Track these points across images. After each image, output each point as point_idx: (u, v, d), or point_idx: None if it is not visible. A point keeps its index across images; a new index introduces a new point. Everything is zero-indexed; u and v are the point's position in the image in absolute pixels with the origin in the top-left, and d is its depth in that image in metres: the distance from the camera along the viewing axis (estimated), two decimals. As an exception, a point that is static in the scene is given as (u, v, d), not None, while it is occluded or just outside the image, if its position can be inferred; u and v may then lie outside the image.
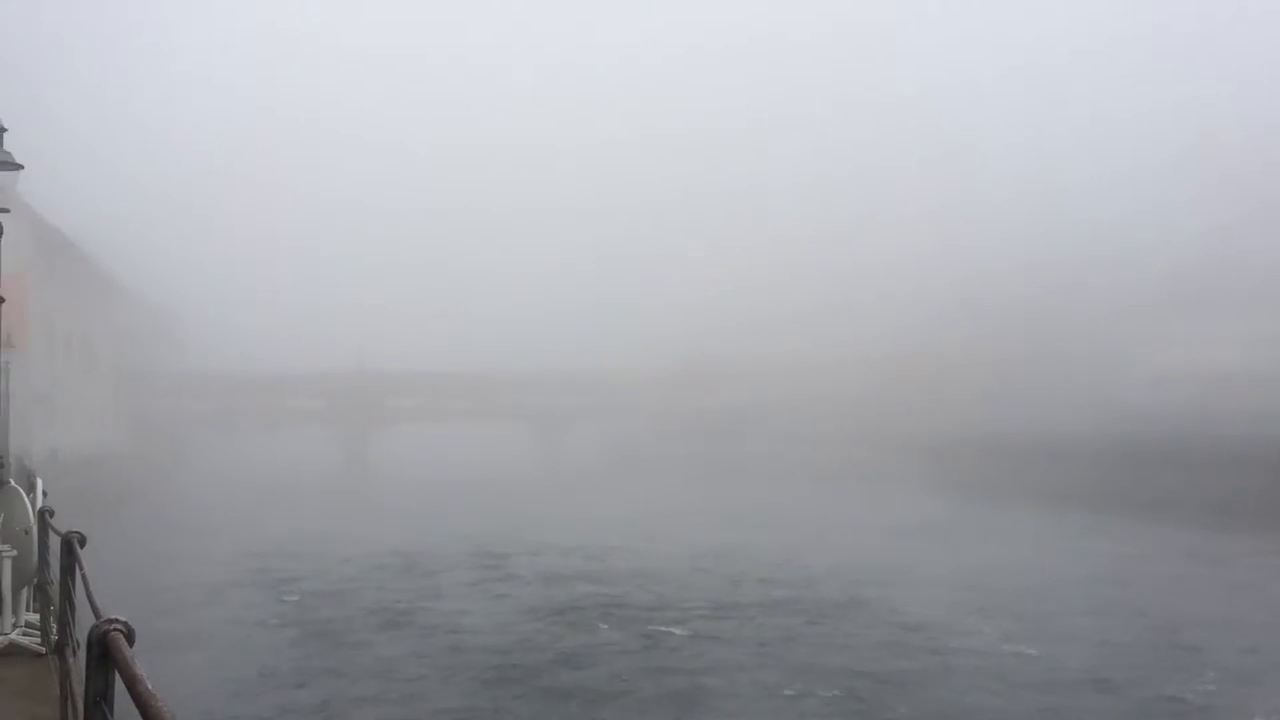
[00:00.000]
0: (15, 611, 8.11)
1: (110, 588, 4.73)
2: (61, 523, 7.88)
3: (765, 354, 78.31)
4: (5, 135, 11.63)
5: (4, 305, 12.19)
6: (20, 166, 11.70)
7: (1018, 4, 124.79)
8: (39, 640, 7.89)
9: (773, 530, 34.33)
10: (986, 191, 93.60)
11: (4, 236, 11.98)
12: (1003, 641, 17.72)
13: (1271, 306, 57.49)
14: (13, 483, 10.03)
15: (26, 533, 8.14)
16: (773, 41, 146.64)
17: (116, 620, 3.09)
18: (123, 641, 2.97)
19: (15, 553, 7.98)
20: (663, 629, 19.29)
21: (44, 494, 9.01)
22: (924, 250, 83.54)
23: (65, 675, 5.78)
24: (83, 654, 3.86)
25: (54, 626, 7.34)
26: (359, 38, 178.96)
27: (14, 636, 7.91)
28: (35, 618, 8.38)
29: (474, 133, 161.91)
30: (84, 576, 5.05)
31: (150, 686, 2.50)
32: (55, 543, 6.97)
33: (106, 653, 2.99)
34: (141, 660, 2.83)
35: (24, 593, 8.34)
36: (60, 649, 6.33)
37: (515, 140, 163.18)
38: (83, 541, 5.69)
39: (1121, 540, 30.84)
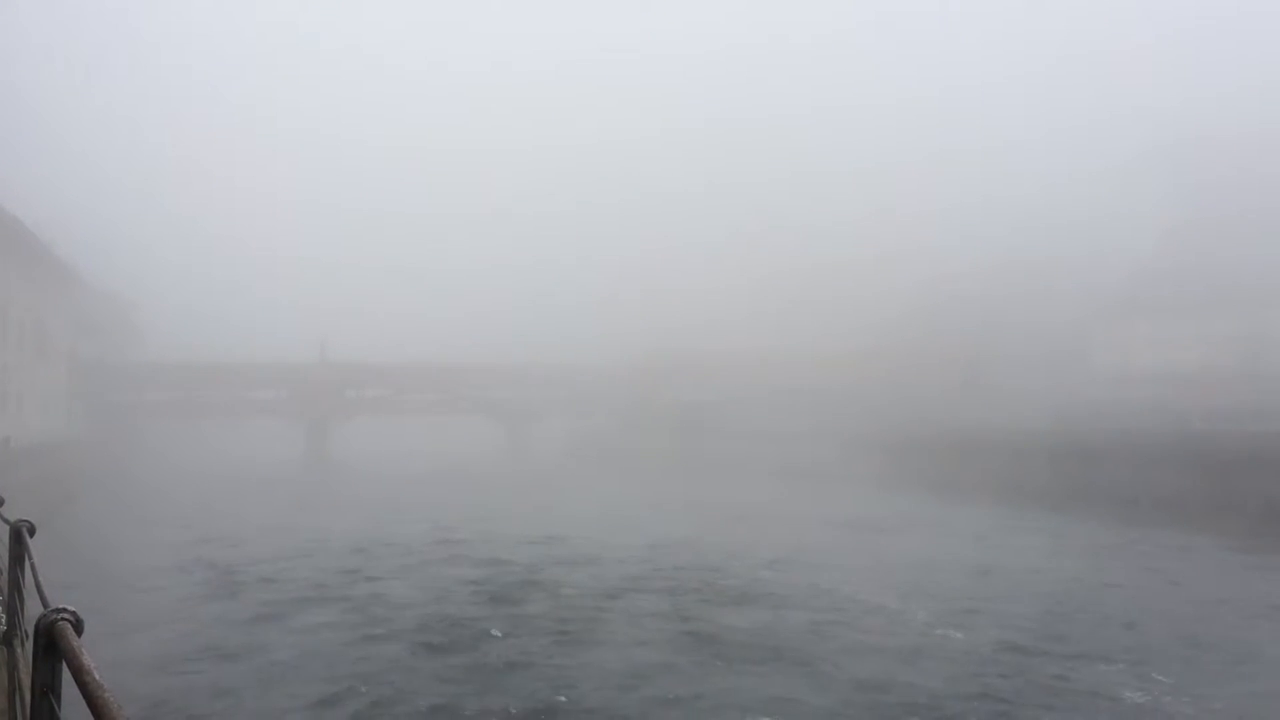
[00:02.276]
0: (-38, 602, 7.91)
1: (59, 575, 4.59)
2: (12, 511, 7.68)
3: (732, 349, 78.69)
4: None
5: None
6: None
7: (990, 13, 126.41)
8: (-13, 631, 7.69)
9: (727, 523, 34.80)
10: (952, 192, 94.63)
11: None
12: (931, 625, 18.41)
13: (1231, 307, 58.59)
14: (-38, 470, 9.78)
15: (-25, 521, 7.92)
16: (751, 44, 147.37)
17: (65, 610, 2.97)
18: (71, 631, 2.86)
19: (-37, 542, 7.78)
20: (588, 611, 19.95)
21: (-6, 482, 8.77)
22: (891, 249, 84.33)
23: (13, 667, 5.61)
24: (30, 644, 3.73)
25: (2, 616, 7.14)
26: (332, 38, 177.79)
27: (-39, 627, 7.70)
28: (-17, 608, 8.17)
29: (442, 131, 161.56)
30: (33, 566, 4.90)
31: (98, 677, 2.39)
32: (3, 531, 6.78)
33: (54, 642, 2.88)
34: (90, 649, 2.72)
35: (-28, 583, 8.13)
36: (9, 639, 6.15)
37: (486, 140, 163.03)
38: (31, 530, 5.53)
39: (1071, 535, 31.48)
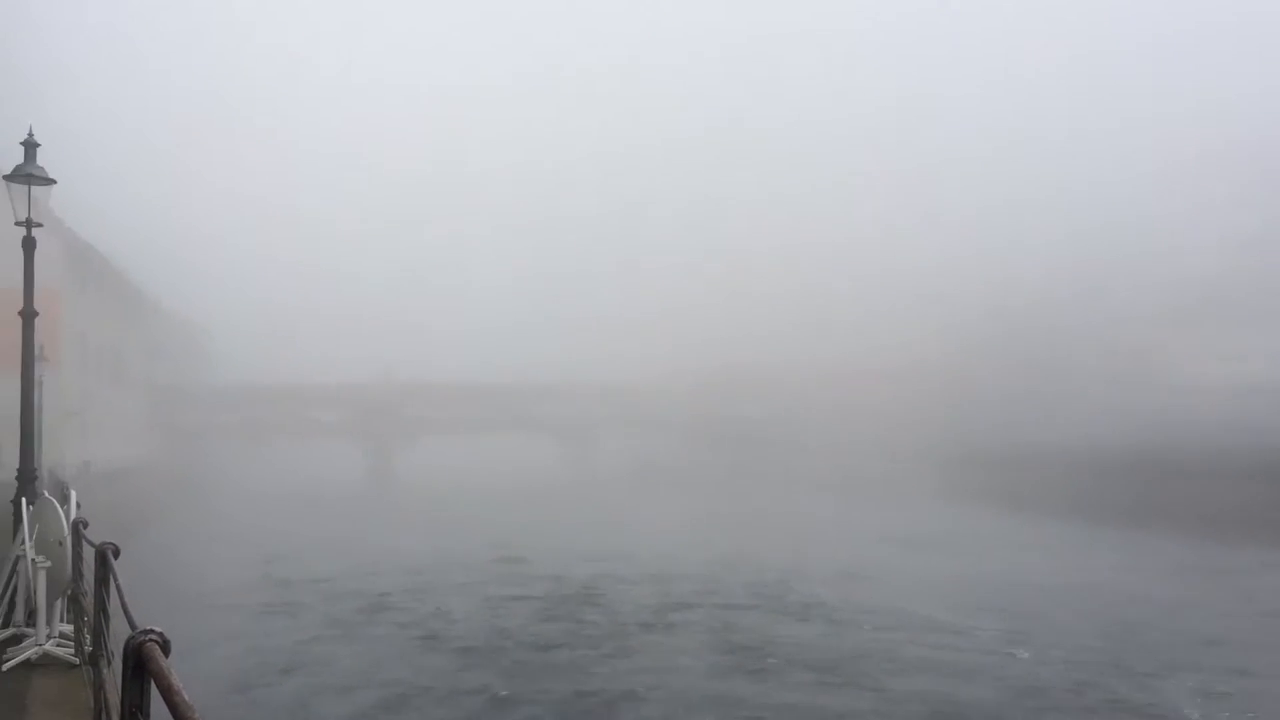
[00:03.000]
0: (49, 622, 8.20)
1: (141, 596, 4.79)
2: (94, 534, 7.98)
3: (790, 363, 78.16)
4: (39, 151, 11.83)
5: (38, 319, 12.39)
6: (53, 181, 11.89)
7: (1047, 5, 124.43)
8: (72, 651, 7.97)
9: (786, 538, 34.63)
10: (1010, 196, 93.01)
11: (37, 251, 12.20)
12: (995, 643, 18.14)
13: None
14: (47, 495, 10.17)
15: (60, 544, 8.23)
16: (787, 39, 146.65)
17: (152, 631, 3.12)
18: (159, 652, 3.01)
19: (49, 564, 8.08)
20: (650, 624, 20.21)
21: (77, 506, 9.11)
22: (948, 256, 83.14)
23: (99, 687, 5.84)
24: (117, 665, 3.91)
25: (88, 637, 7.41)
26: (389, 67, 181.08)
27: (48, 647, 8.00)
28: (69, 629, 8.46)
29: (491, 149, 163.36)
30: (118, 587, 5.10)
31: (187, 697, 2.52)
32: (89, 554, 7.04)
33: (142, 664, 3.03)
34: (177, 669, 2.87)
35: (58, 604, 8.43)
36: (94, 660, 6.39)
37: (535, 155, 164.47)
38: (116, 553, 5.75)
39: (1142, 552, 30.71)
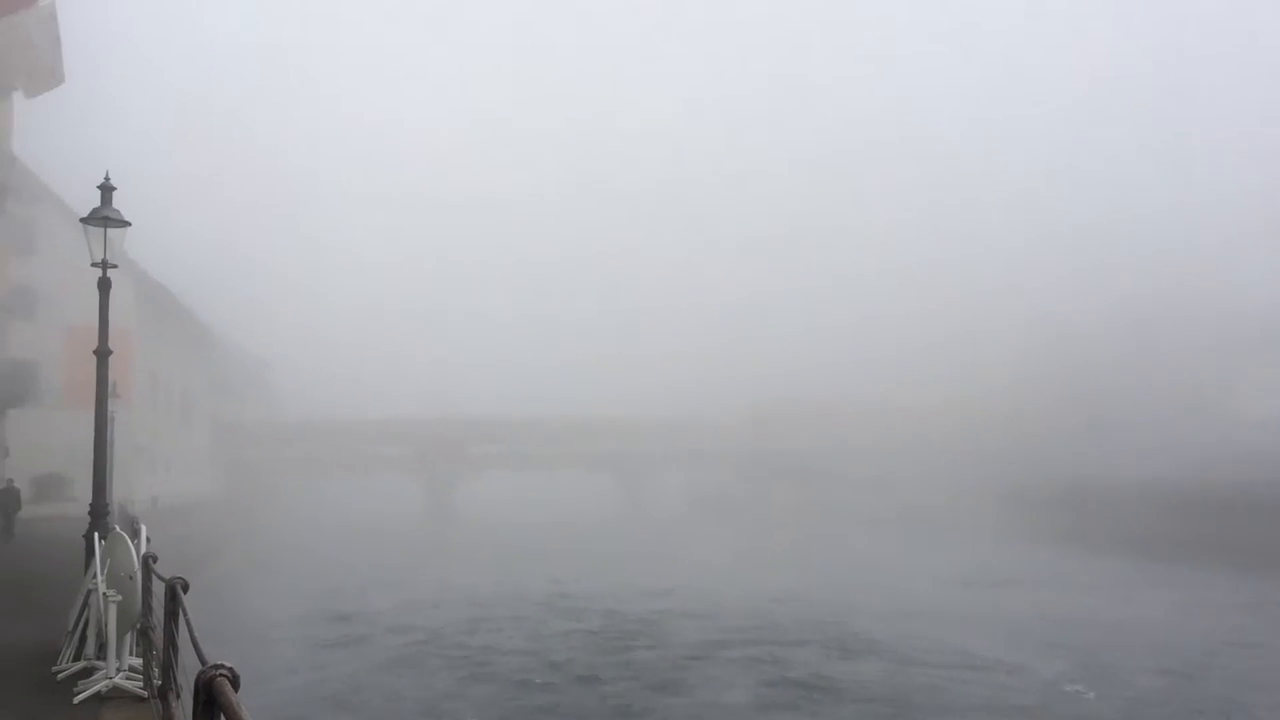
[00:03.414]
0: (119, 656, 8.33)
1: (208, 628, 4.86)
2: (162, 568, 8.11)
3: (845, 397, 77.46)
4: (114, 194, 12.18)
5: (110, 357, 12.70)
6: (128, 223, 12.21)
7: (1110, 21, 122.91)
8: (141, 684, 8.08)
9: (844, 575, 34.21)
10: (1062, 227, 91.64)
11: (111, 291, 12.53)
12: (1057, 682, 17.79)
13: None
14: (117, 529, 10.37)
15: (131, 578, 8.37)
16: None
17: (222, 666, 3.16)
18: (229, 687, 3.04)
19: (120, 598, 8.21)
20: (700, 658, 20.30)
21: (147, 540, 9.27)
22: (1003, 288, 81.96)
23: None
24: (185, 698, 3.96)
25: (156, 671, 7.51)
26: (443, 105, 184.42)
27: (118, 680, 8.11)
28: (138, 662, 8.59)
29: (550, 182, 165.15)
30: (187, 621, 5.16)
31: (257, 732, 2.54)
32: (158, 588, 7.16)
33: (213, 698, 3.05)
34: (246, 702, 2.89)
35: (128, 637, 8.56)
36: (163, 694, 6.47)
37: (592, 191, 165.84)
38: (185, 587, 5.83)
39: (1210, 590, 29.72)
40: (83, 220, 12.15)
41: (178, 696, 5.95)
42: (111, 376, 13.56)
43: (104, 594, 8.35)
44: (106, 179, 12.06)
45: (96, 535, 10.56)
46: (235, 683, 3.10)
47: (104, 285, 12.15)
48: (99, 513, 12.00)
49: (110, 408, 13.88)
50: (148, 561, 8.31)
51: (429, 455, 73.88)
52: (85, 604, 9.24)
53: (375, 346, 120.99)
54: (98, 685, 8.06)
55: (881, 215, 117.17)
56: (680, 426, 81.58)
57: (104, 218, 11.90)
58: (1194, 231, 74.17)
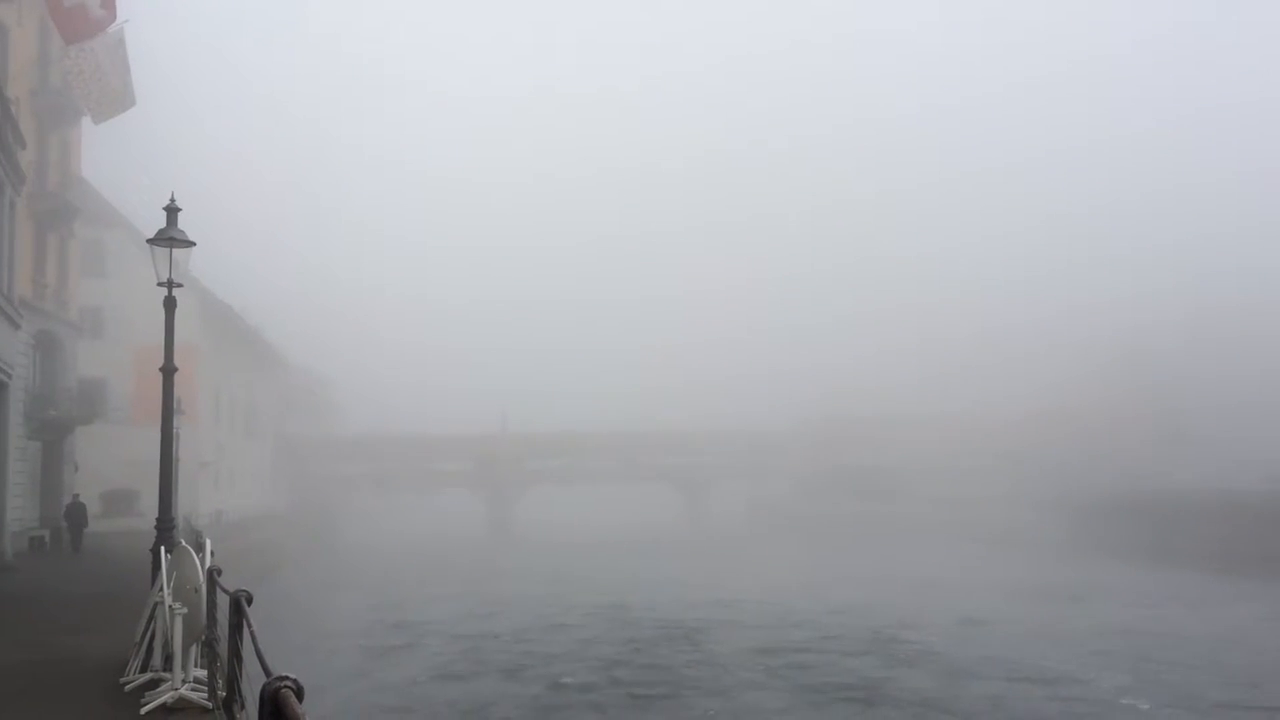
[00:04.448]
0: (185, 667, 8.43)
1: (271, 638, 4.87)
2: (227, 581, 8.19)
3: (911, 414, 76.63)
4: (179, 215, 12.44)
5: (176, 374, 12.94)
6: (193, 244, 12.45)
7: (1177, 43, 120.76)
8: (206, 696, 8.17)
9: (907, 589, 33.80)
10: (1147, 233, 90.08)
11: (177, 310, 12.77)
12: (1117, 695, 17.62)
13: None
14: (183, 543, 10.52)
15: (196, 591, 8.47)
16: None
17: (287, 677, 3.14)
18: (293, 698, 3.02)
19: (186, 610, 8.31)
20: (753, 666, 20.55)
21: (211, 554, 9.39)
22: (1083, 300, 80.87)
23: (232, 731, 5.94)
24: (250, 709, 3.96)
25: (221, 683, 7.57)
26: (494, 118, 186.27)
27: (184, 692, 8.20)
28: (203, 674, 8.68)
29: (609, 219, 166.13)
30: (252, 634, 5.18)
31: (321, 744, 2.51)
32: (223, 601, 7.22)
33: (279, 709, 3.04)
34: (310, 715, 2.87)
35: (193, 649, 8.67)
36: (228, 705, 6.52)
37: (655, 218, 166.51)
38: (249, 600, 5.86)
39: (1276, 602, 28.86)
40: (149, 241, 12.42)
41: (242, 708, 5.98)
42: (177, 393, 13.81)
43: (170, 607, 8.46)
44: (172, 200, 12.31)
45: (163, 549, 10.72)
46: (300, 694, 3.08)
47: (169, 304, 12.38)
48: (165, 527, 12.19)
49: (176, 424, 14.11)
50: (212, 575, 8.40)
51: (488, 470, 74.30)
52: (152, 616, 9.38)
53: (435, 364, 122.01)
54: (164, 696, 8.16)
55: (956, 244, 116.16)
56: (742, 440, 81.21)
57: (169, 238, 12.14)
58: (1261, 243, 72.67)
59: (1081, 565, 40.28)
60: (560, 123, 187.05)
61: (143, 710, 7.96)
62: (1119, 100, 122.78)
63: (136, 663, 9.25)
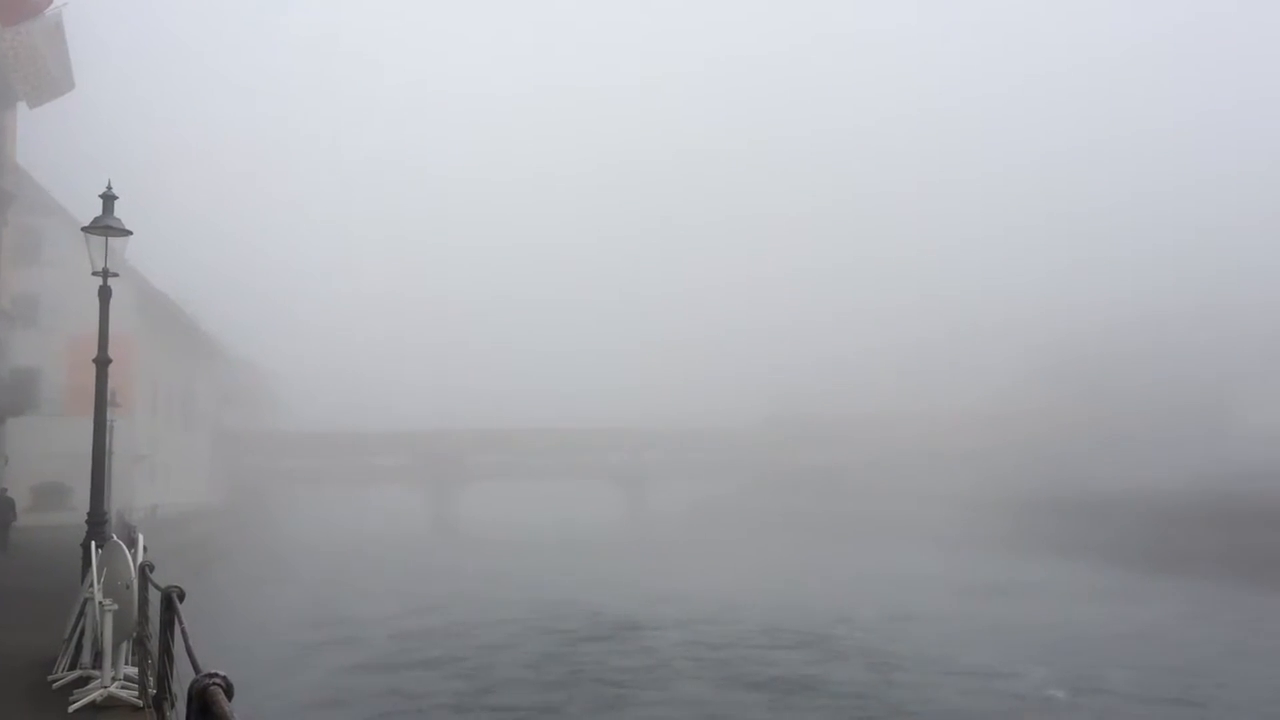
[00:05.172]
0: (115, 665, 8.28)
1: (203, 636, 4.85)
2: (160, 577, 8.08)
3: (858, 414, 77.56)
4: (116, 202, 12.19)
5: (111, 365, 12.69)
6: (129, 233, 12.20)
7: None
8: (137, 694, 8.04)
9: (843, 586, 34.41)
10: (1089, 246, 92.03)
11: (112, 300, 12.52)
12: (1039, 688, 18.22)
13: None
14: (115, 538, 10.34)
15: (127, 587, 8.33)
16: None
17: (216, 674, 3.14)
18: (222, 696, 3.02)
19: (116, 606, 8.17)
20: (679, 660, 20.83)
21: (144, 549, 9.24)
22: (1023, 308, 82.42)
23: (162, 729, 5.87)
24: (180, 707, 3.93)
25: (151, 680, 7.47)
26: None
27: (113, 690, 8.07)
28: (134, 671, 8.55)
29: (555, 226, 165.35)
30: (183, 631, 5.14)
31: (248, 741, 2.52)
32: (154, 597, 7.13)
33: (206, 707, 3.04)
34: (239, 712, 2.87)
35: (124, 646, 8.52)
36: (158, 703, 6.44)
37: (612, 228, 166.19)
38: (181, 596, 5.80)
39: (1215, 603, 29.73)
40: (84, 229, 12.16)
41: (173, 705, 5.92)
42: (112, 385, 13.54)
43: (100, 603, 8.31)
44: (108, 188, 12.07)
45: (94, 544, 10.53)
46: (229, 691, 3.08)
47: (104, 294, 12.15)
48: (97, 521, 11.98)
49: (110, 416, 13.85)
50: (144, 570, 8.28)
51: (428, 466, 73.80)
52: (82, 613, 9.21)
53: (373, 360, 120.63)
54: (93, 694, 8.02)
55: (913, 252, 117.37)
56: (688, 438, 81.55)
57: (105, 226, 11.90)
58: (1203, 258, 74.74)
59: (1013, 563, 41.09)
60: (559, 119, 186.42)
61: (71, 708, 7.83)
62: (1119, 100, 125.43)
63: (65, 660, 9.07)
